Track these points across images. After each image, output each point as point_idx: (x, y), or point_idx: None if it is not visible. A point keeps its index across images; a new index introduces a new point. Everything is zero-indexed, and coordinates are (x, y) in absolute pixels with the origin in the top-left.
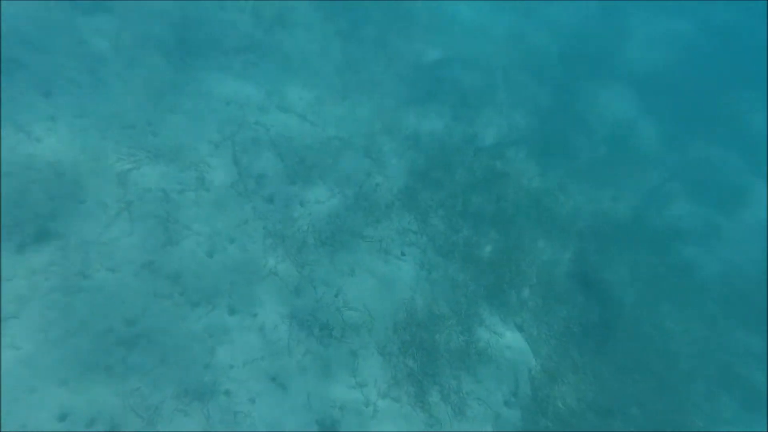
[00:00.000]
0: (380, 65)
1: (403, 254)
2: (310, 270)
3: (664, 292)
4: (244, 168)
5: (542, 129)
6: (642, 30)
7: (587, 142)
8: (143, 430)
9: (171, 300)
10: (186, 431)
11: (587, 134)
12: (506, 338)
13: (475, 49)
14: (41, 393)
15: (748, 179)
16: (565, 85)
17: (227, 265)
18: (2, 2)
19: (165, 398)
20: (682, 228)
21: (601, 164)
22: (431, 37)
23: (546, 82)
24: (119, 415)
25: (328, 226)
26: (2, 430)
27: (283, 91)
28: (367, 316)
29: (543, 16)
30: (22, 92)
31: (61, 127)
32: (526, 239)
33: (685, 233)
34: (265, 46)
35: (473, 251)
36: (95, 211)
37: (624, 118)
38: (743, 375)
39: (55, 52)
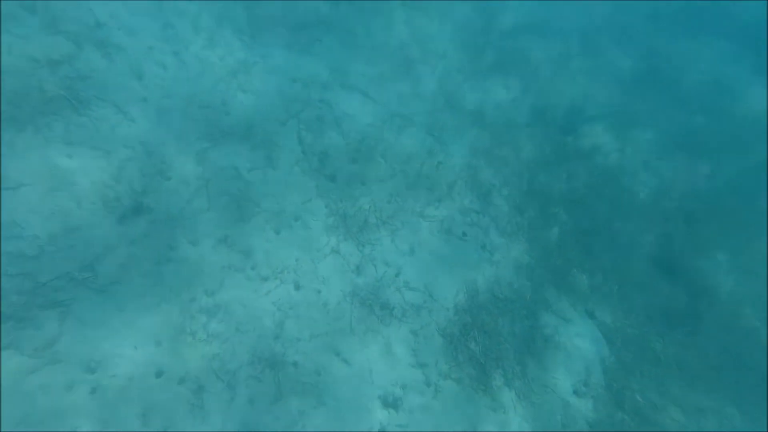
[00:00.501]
0: (446, 34)
1: (464, 235)
2: (371, 249)
3: None
4: (308, 146)
5: (624, 99)
6: None
7: (679, 112)
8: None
9: (244, 274)
10: (259, 395)
11: (680, 102)
12: (576, 325)
13: (550, 11)
14: (142, 351)
15: None
16: (655, 46)
17: (292, 242)
18: None
19: (241, 365)
20: None
21: (695, 136)
22: (504, 2)
23: (631, 44)
24: (204, 377)
25: (389, 205)
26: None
27: (346, 68)
28: (427, 297)
29: None
30: (119, 75)
31: (151, 108)
32: (599, 221)
33: None
34: (329, 21)
35: (539, 233)
36: (179, 188)
37: (728, 81)
38: None
39: (145, 36)
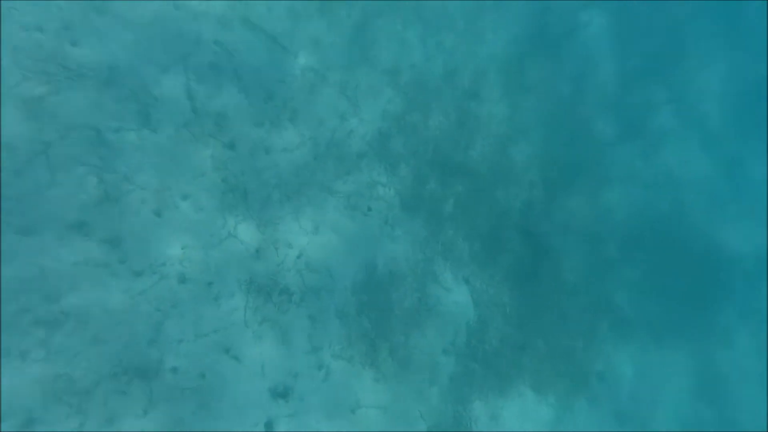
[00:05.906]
0: None
1: (369, 210)
2: (272, 230)
3: (589, 236)
4: (200, 104)
5: (520, 61)
6: None
7: (563, 80)
8: None
9: (108, 269)
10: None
11: (566, 70)
12: (454, 293)
13: None
14: None
15: None
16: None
17: (179, 226)
18: None
19: (100, 380)
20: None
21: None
22: None
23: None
24: (38, 407)
25: (296, 178)
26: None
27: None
28: (328, 278)
29: None
30: None
31: None
32: (486, 191)
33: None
34: None
35: (437, 205)
36: (6, 157)
37: None
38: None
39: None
